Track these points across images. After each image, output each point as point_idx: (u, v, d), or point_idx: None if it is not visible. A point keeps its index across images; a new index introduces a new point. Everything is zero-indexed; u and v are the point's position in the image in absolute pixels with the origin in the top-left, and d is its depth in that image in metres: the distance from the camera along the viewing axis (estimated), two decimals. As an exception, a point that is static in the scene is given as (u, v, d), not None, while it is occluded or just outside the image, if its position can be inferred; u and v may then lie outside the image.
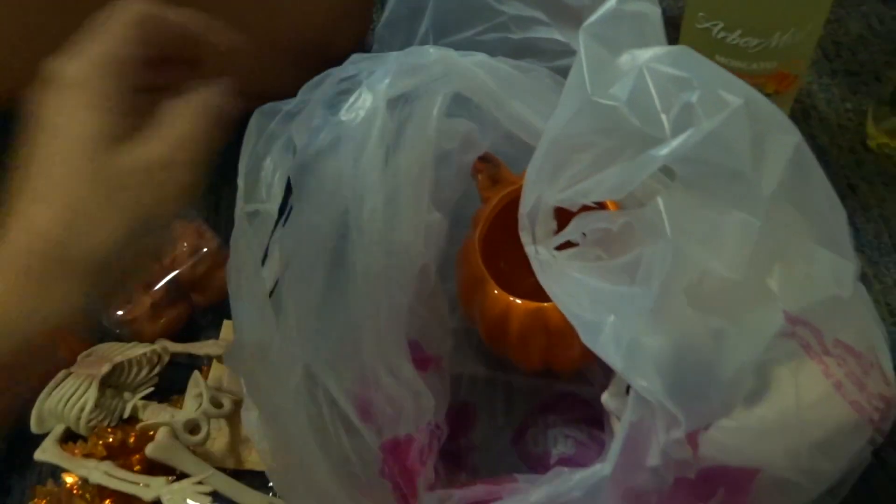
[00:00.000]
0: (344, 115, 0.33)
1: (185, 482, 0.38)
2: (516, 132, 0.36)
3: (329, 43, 0.54)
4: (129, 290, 0.44)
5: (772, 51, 0.43)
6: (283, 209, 0.36)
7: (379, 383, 0.36)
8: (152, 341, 0.46)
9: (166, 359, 0.45)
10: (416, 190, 0.34)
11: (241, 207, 0.34)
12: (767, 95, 0.46)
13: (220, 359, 0.45)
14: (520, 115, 0.35)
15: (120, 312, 0.46)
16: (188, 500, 0.36)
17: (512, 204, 0.41)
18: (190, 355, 0.46)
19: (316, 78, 0.36)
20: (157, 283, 0.47)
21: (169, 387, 0.46)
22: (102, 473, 0.38)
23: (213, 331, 0.48)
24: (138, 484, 0.38)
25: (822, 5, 0.42)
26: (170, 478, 0.39)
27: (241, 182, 0.34)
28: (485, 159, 0.41)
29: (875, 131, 0.50)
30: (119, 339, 0.47)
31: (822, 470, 0.34)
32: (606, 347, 0.28)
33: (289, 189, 0.35)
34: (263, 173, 0.35)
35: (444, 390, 0.39)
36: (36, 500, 0.41)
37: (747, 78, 0.44)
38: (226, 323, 0.47)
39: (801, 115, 0.53)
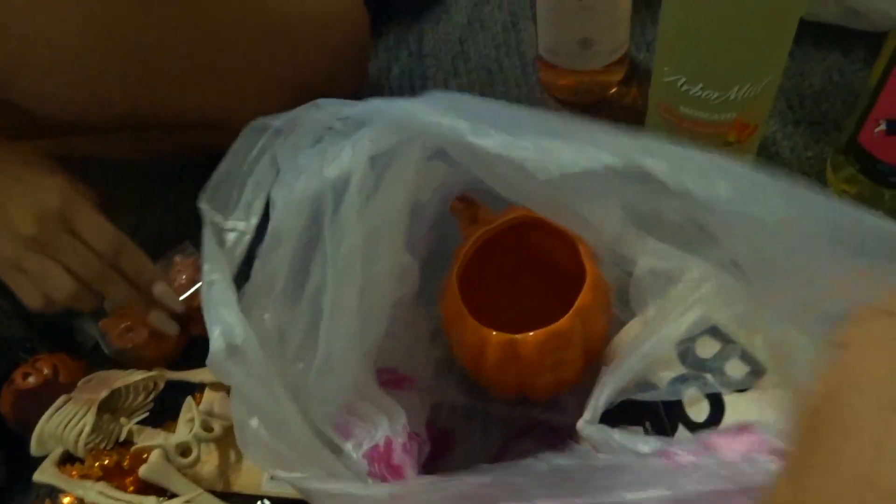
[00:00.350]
0: (328, 171, 0.36)
1: (175, 501, 0.40)
2: (501, 192, 0.38)
3: (330, 86, 0.58)
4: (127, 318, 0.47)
5: (731, 103, 0.46)
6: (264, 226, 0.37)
7: (353, 408, 0.38)
8: (150, 368, 0.48)
9: (162, 385, 0.48)
10: (394, 228, 0.37)
11: (215, 221, 0.36)
12: (729, 144, 0.50)
13: (213, 386, 0.47)
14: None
15: (120, 342, 0.49)
16: (177, 517, 0.38)
17: (490, 241, 0.44)
18: (185, 382, 0.49)
19: (316, 101, 0.37)
20: None
21: (165, 412, 0.48)
22: (97, 493, 0.41)
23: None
24: (131, 503, 0.40)
25: (775, 63, 0.45)
26: (161, 498, 0.41)
27: (223, 198, 0.36)
28: (464, 199, 0.44)
29: (834, 178, 0.53)
30: (119, 366, 0.50)
31: None
32: None
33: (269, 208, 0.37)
34: (245, 190, 0.37)
35: (419, 405, 0.42)
36: (33, 518, 0.43)
37: (710, 127, 0.48)
38: (219, 352, 0.50)
39: (766, 162, 0.56)
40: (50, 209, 0.43)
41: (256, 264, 0.38)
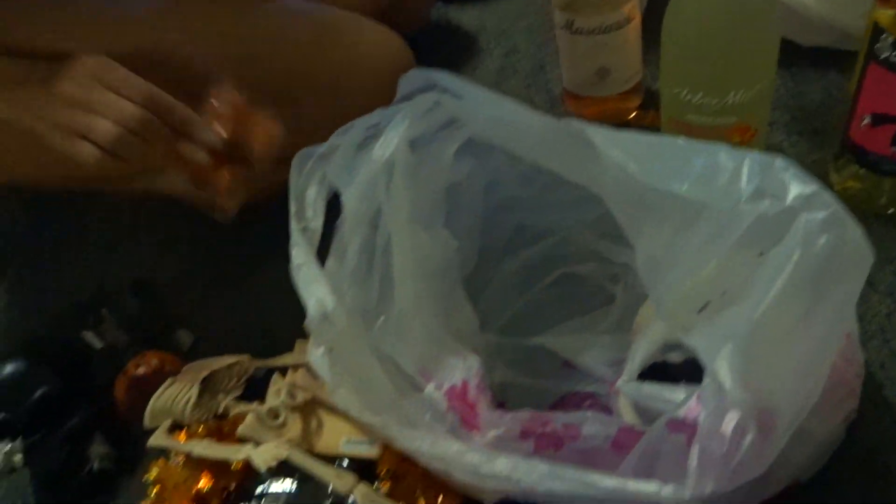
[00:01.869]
0: (374, 154, 0.44)
1: (268, 445, 0.47)
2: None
3: None
4: None
5: (730, 107, 0.53)
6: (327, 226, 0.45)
7: (434, 354, 0.45)
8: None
9: (251, 369, 0.56)
10: (433, 204, 0.45)
11: (294, 224, 0.44)
12: (734, 145, 0.57)
13: (294, 367, 0.55)
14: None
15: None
16: (270, 456, 0.46)
17: None
18: (269, 369, 0.56)
19: (343, 126, 0.46)
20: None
21: (254, 394, 0.55)
22: (204, 448, 0.48)
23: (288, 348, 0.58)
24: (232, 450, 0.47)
25: (764, 70, 0.53)
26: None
27: (291, 206, 0.45)
28: None
29: (837, 178, 0.59)
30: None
31: (812, 430, 0.39)
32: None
33: (329, 211, 0.45)
34: (307, 200, 0.45)
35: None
36: (150, 472, 0.50)
37: (714, 131, 0.56)
38: (298, 342, 0.57)
39: (774, 166, 0.63)
40: (81, 69, 0.49)
41: (333, 247, 0.46)
